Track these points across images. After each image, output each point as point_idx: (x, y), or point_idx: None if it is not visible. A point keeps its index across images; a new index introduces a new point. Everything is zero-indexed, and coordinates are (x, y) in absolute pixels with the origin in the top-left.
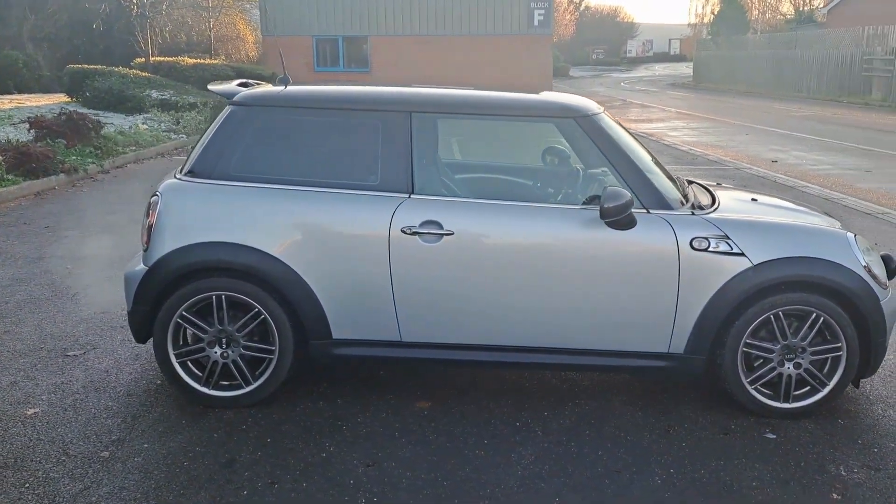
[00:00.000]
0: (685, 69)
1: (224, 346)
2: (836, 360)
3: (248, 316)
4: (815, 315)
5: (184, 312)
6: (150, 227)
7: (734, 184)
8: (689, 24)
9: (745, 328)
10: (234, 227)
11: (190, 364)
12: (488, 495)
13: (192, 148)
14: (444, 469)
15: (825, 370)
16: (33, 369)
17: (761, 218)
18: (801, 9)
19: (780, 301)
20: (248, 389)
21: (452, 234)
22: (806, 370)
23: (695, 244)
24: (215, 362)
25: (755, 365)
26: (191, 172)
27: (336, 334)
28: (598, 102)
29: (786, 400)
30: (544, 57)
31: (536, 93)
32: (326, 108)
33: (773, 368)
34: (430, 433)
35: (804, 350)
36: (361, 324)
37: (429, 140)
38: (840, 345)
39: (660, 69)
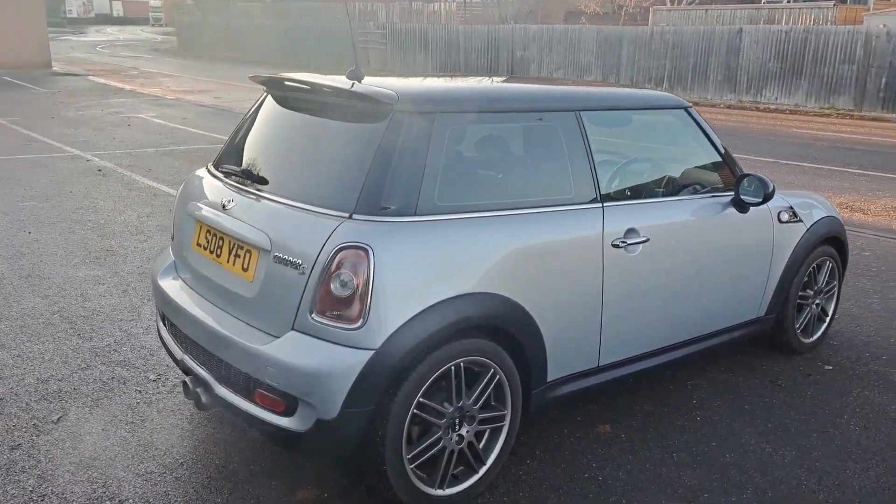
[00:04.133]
0: (144, 33)
1: (458, 427)
2: (833, 294)
3: (486, 381)
4: (829, 262)
5: (421, 399)
6: (363, 293)
7: None
8: None
9: (800, 283)
10: (470, 272)
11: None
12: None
13: (329, 174)
14: (762, 486)
15: (829, 305)
16: None
17: (789, 190)
18: None
19: (817, 254)
20: (483, 472)
21: (648, 240)
22: (822, 308)
23: (781, 217)
24: (451, 452)
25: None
26: (385, 210)
27: (550, 376)
28: (109, 71)
29: (812, 335)
30: (35, 16)
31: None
32: (506, 111)
33: (809, 312)
34: (659, 451)
35: (822, 292)
36: (569, 357)
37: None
38: (836, 282)
39: (115, 32)
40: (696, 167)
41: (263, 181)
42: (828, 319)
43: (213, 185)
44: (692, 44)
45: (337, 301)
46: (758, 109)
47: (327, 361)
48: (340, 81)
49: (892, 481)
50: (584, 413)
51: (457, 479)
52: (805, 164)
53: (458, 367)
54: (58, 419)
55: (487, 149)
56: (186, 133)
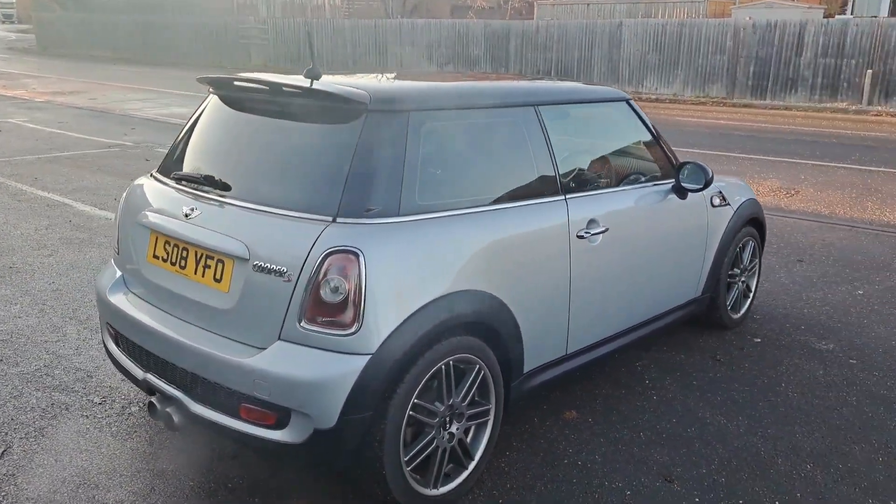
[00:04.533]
0: None
1: (448, 425)
2: (755, 272)
3: (472, 377)
4: (752, 243)
5: (416, 400)
6: (356, 297)
7: None
8: None
9: (729, 263)
10: (455, 270)
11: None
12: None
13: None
14: (725, 457)
15: (752, 281)
16: None
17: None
18: None
19: (742, 235)
20: (472, 467)
21: (607, 230)
22: (746, 285)
23: (713, 201)
24: (444, 450)
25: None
26: (370, 211)
27: (526, 367)
28: None
29: (739, 311)
30: None
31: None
32: (474, 108)
33: (737, 289)
34: (626, 432)
35: (746, 270)
36: (542, 347)
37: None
38: (757, 260)
39: None
40: (639, 156)
41: (227, 187)
42: (751, 295)
43: (165, 194)
44: (576, 37)
45: (328, 307)
46: (640, 99)
47: (323, 370)
48: (300, 81)
49: (837, 441)
50: (549, 401)
51: (448, 477)
52: (694, 150)
53: (447, 365)
54: (1, 453)
55: (459, 146)
56: (67, 138)
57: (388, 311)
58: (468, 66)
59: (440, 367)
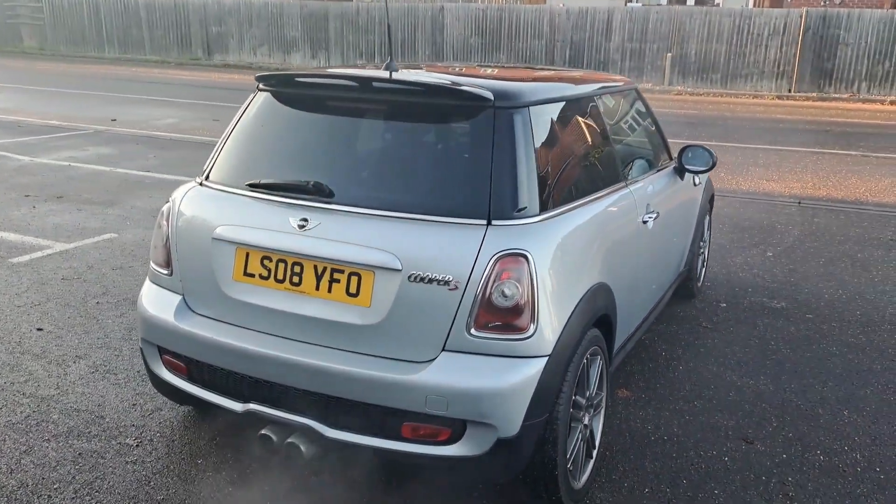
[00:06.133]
0: None
1: (583, 418)
2: (708, 240)
3: (597, 367)
4: (708, 217)
5: (574, 397)
6: (529, 299)
7: None
8: None
9: (701, 238)
10: (590, 263)
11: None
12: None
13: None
14: (776, 413)
15: (706, 251)
16: None
17: None
18: None
19: (707, 210)
20: (594, 456)
21: (658, 214)
22: (704, 255)
23: (695, 180)
24: (583, 443)
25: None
26: (521, 211)
27: (614, 351)
28: None
29: (700, 280)
30: None
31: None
32: (562, 100)
33: (701, 260)
34: (682, 404)
35: (706, 241)
36: (622, 331)
37: None
38: (710, 231)
39: None
40: (648, 140)
41: (332, 194)
42: (706, 264)
43: (245, 204)
44: (398, 19)
45: (500, 312)
46: None
47: (507, 376)
48: (383, 75)
49: (850, 387)
50: None
51: (583, 469)
52: None
53: (586, 359)
54: None
55: (563, 138)
56: None
57: (556, 310)
58: (284, 48)
59: (583, 362)
